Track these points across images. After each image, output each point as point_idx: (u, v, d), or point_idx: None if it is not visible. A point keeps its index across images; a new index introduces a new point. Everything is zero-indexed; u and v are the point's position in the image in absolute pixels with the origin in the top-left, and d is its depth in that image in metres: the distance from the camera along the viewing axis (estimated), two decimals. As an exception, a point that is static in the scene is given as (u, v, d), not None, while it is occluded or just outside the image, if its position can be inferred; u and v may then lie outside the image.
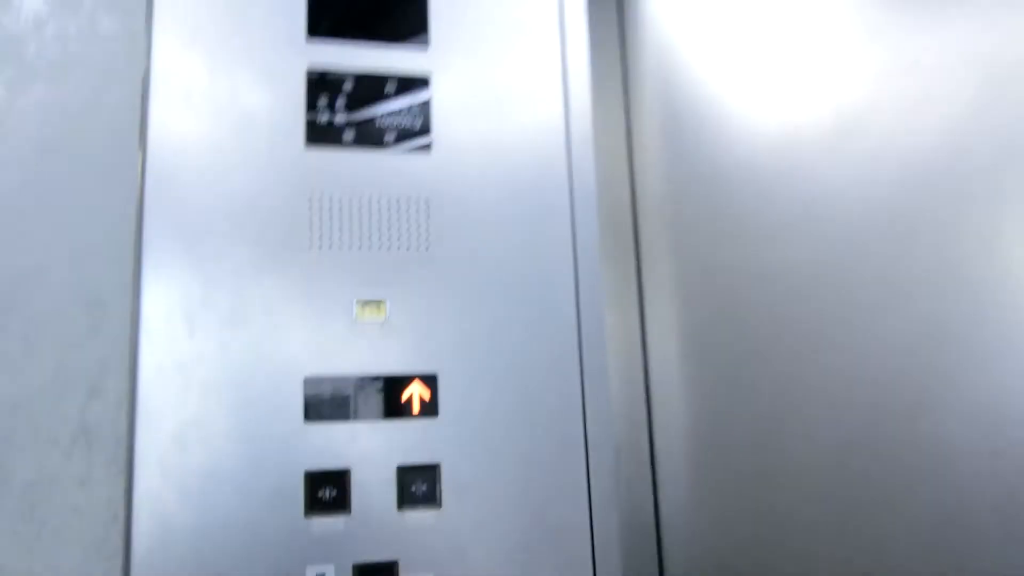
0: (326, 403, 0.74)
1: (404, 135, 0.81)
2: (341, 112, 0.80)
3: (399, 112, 0.81)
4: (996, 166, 0.73)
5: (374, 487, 0.74)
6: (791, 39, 0.86)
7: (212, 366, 0.73)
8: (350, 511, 0.73)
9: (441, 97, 0.82)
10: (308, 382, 0.74)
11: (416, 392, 0.77)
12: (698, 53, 0.92)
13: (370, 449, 0.75)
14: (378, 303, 0.78)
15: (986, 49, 0.74)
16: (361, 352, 0.76)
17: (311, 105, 0.79)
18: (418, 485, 0.75)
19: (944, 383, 0.74)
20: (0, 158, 0.64)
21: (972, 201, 0.74)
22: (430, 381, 0.77)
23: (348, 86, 0.80)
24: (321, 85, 0.80)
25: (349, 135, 0.79)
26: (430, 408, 0.77)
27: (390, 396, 0.76)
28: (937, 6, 0.77)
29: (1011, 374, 0.71)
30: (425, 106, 0.82)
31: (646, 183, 0.94)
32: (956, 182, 0.75)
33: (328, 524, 0.73)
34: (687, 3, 0.94)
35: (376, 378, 0.76)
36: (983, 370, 0.73)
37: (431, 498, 0.75)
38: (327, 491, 0.73)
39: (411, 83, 0.82)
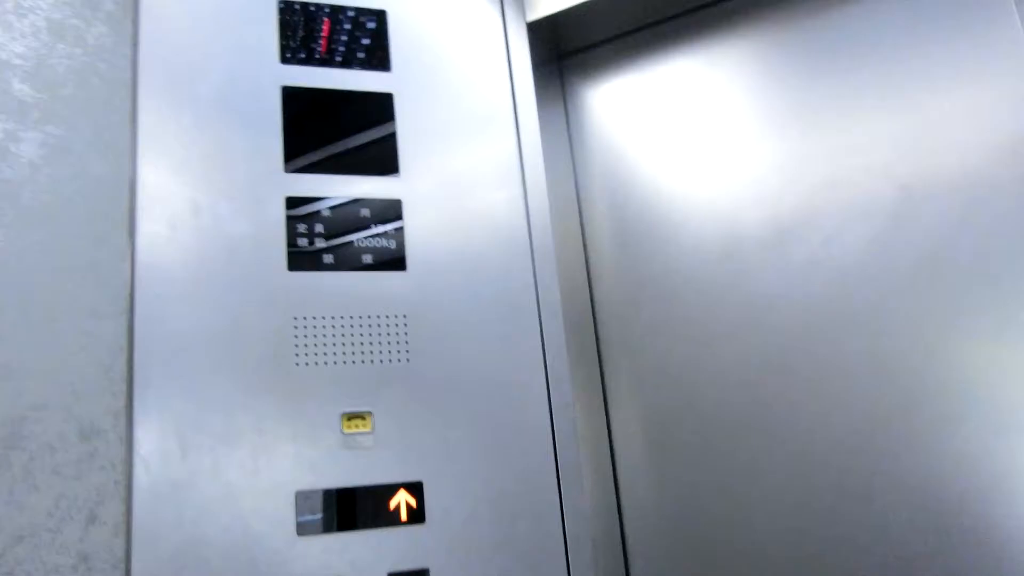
0: (317, 516, 0.77)
1: (380, 257, 0.87)
2: (320, 238, 0.85)
3: (375, 236, 0.87)
4: (916, 270, 0.84)
5: (367, 595, 0.77)
6: (730, 155, 0.96)
7: (206, 486, 0.76)
8: (345, 621, 0.75)
9: (413, 220, 0.89)
10: (300, 496, 0.77)
11: (403, 500, 0.80)
12: (644, 172, 1.02)
13: (361, 558, 0.77)
14: (363, 415, 0.82)
15: (902, 171, 0.86)
16: (349, 463, 0.80)
17: (291, 232, 0.85)
18: (409, 591, 0.78)
19: (890, 465, 0.82)
20: (2, 301, 0.68)
21: (898, 301, 0.84)
22: (416, 489, 0.81)
23: (326, 213, 0.86)
24: (299, 214, 0.85)
25: (329, 259, 0.85)
26: (417, 515, 0.80)
27: (378, 505, 0.79)
28: (861, 132, 0.89)
29: (945, 457, 0.80)
30: (399, 230, 0.88)
31: (603, 289, 1.01)
32: (882, 285, 0.85)
33: (324, 635, 0.75)
34: (630, 138, 1.04)
35: (364, 488, 0.79)
36: (921, 453, 0.81)
37: (422, 602, 0.78)
38: (322, 602, 0.75)
39: (385, 208, 0.88)
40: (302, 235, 0.85)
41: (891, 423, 0.83)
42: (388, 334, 0.85)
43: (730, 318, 0.92)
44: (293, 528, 0.77)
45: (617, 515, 0.95)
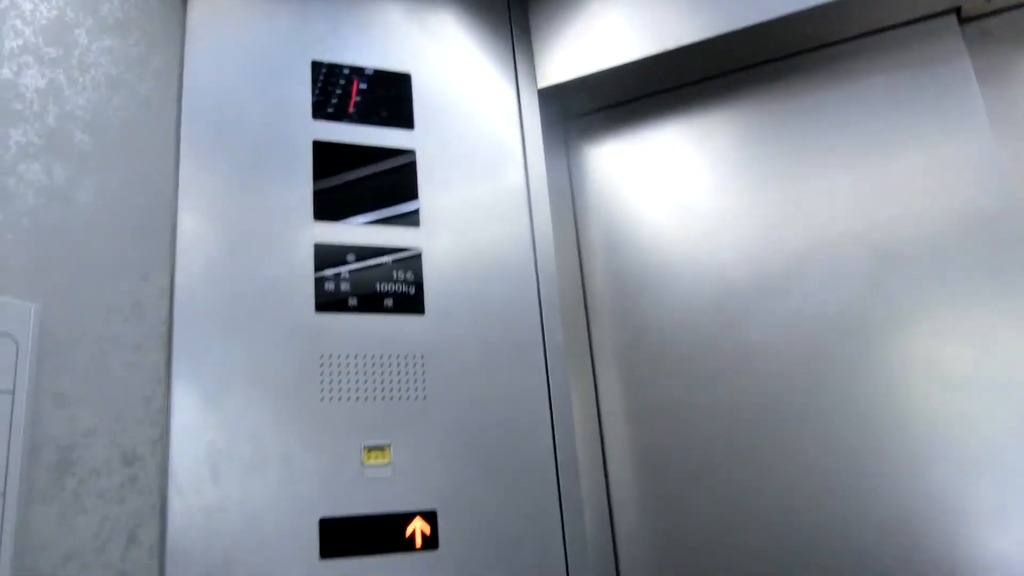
0: (339, 541, 0.83)
1: (400, 301, 0.93)
2: (345, 282, 0.92)
3: (396, 281, 0.94)
4: (889, 326, 0.93)
5: (385, 617, 0.82)
6: (720, 216, 1.05)
7: (236, 511, 0.81)
8: (364, 641, 0.81)
9: (431, 268, 0.96)
10: (323, 523, 0.83)
11: (418, 527, 0.86)
12: (640, 227, 1.10)
13: (379, 582, 0.83)
14: (383, 448, 0.88)
15: (877, 237, 0.96)
16: (369, 492, 0.86)
17: (319, 276, 0.91)
18: (423, 613, 0.84)
19: (866, 499, 0.90)
20: (61, 335, 0.73)
21: (873, 353, 0.93)
22: (430, 517, 0.87)
23: (351, 259, 0.93)
24: (327, 259, 0.92)
25: (353, 301, 0.92)
26: (431, 541, 0.86)
27: (396, 532, 0.85)
28: (839, 200, 0.99)
29: (916, 492, 0.88)
30: (418, 275, 0.95)
31: (602, 335, 1.09)
32: (859, 337, 0.95)
33: (345, 654, 0.80)
34: (627, 196, 1.13)
35: (383, 516, 0.85)
36: (894, 489, 0.89)
37: (435, 625, 0.84)
38: (343, 623, 0.81)
39: (405, 256, 0.95)
40: (329, 279, 0.91)
41: (866, 462, 0.92)
42: (407, 372, 0.91)
43: (720, 363, 1.01)
44: (317, 552, 0.82)
45: (611, 542, 1.01)
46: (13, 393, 0.67)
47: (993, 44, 1.02)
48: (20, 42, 0.75)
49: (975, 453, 0.88)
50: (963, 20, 1.02)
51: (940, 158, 0.96)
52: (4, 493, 0.64)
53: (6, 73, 0.73)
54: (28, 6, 0.76)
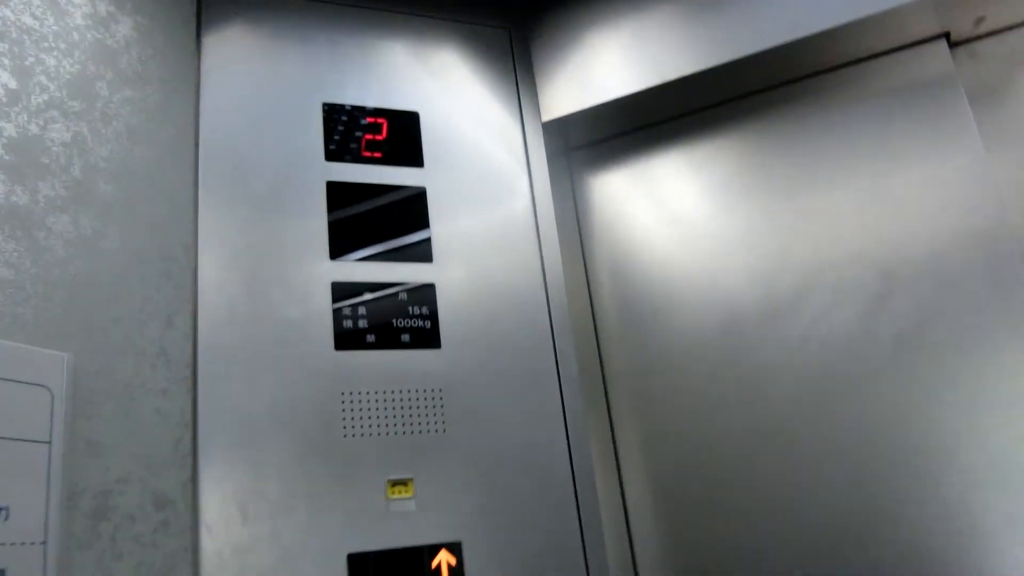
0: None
1: (417, 336, 0.95)
2: (363, 319, 0.94)
3: (412, 317, 0.96)
4: (897, 346, 0.96)
5: (416, 650, 0.84)
6: (725, 242, 1.08)
7: (265, 550, 0.82)
8: (396, 675, 0.82)
9: (445, 302, 0.98)
10: (351, 558, 0.84)
11: (444, 560, 0.87)
12: (646, 253, 1.13)
13: (408, 615, 0.84)
14: (406, 482, 0.89)
15: (882, 257, 0.98)
16: (394, 526, 0.87)
17: (337, 314, 0.93)
18: (453, 645, 0.85)
19: (877, 519, 0.92)
20: (93, 385, 0.74)
21: (881, 373, 0.96)
22: (455, 549, 0.88)
23: (368, 297, 0.95)
24: (344, 297, 0.94)
25: (371, 338, 0.93)
26: (457, 572, 0.87)
27: (422, 565, 0.86)
28: (845, 222, 1.02)
29: (927, 510, 0.90)
30: (433, 310, 0.97)
31: (613, 363, 1.11)
32: (867, 359, 0.97)
33: None
34: (632, 223, 1.15)
35: (409, 549, 0.87)
36: (905, 507, 0.91)
37: (465, 656, 0.85)
38: (375, 658, 0.82)
39: (420, 292, 0.97)
40: (347, 317, 0.93)
41: (878, 480, 0.93)
42: (426, 406, 0.93)
43: (730, 388, 1.03)
44: (346, 588, 0.83)
45: (632, 568, 1.02)
46: (50, 443, 0.68)
47: (983, 66, 1.05)
48: (46, 97, 0.77)
49: (985, 467, 0.90)
50: (953, 44, 1.06)
51: (937, 178, 0.99)
52: (46, 542, 0.66)
53: (34, 128, 0.74)
54: (52, 62, 0.78)
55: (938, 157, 1.00)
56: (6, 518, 0.63)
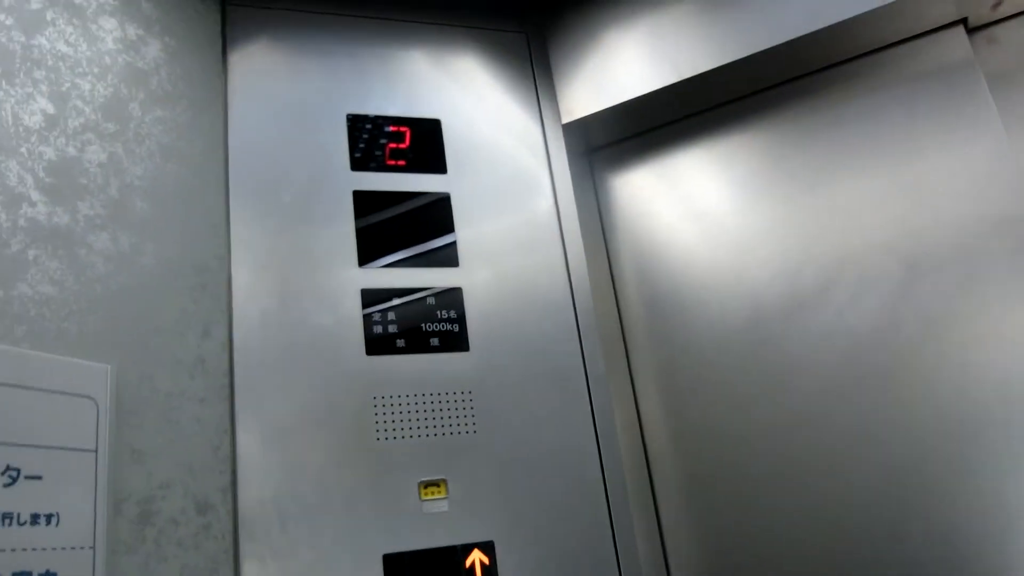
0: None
1: (446, 339, 0.97)
2: (392, 324, 0.96)
3: (440, 320, 0.98)
4: (922, 335, 0.96)
5: (453, 647, 0.85)
6: (749, 236, 1.08)
7: (304, 553, 0.85)
8: (435, 671, 0.84)
9: (473, 305, 1.00)
10: (387, 558, 0.86)
11: (477, 559, 0.89)
12: (670, 251, 1.14)
13: (445, 613, 0.86)
14: (438, 483, 0.91)
15: (906, 247, 0.98)
16: (428, 527, 0.89)
17: (368, 320, 0.95)
18: (490, 641, 0.86)
19: (909, 510, 0.92)
20: (136, 395, 0.77)
21: (906, 364, 0.96)
22: (488, 548, 0.90)
23: (397, 302, 0.97)
24: (374, 303, 0.96)
25: (401, 343, 0.95)
26: (490, 572, 0.89)
27: (456, 564, 0.88)
28: (868, 214, 1.02)
29: (959, 500, 0.90)
30: (461, 313, 0.99)
31: (640, 360, 1.12)
32: (892, 349, 0.97)
33: None
34: (655, 221, 1.16)
35: (443, 549, 0.88)
36: (937, 497, 0.91)
37: (502, 652, 0.86)
38: (414, 655, 0.84)
39: (448, 296, 0.99)
40: (377, 323, 0.95)
41: (908, 471, 0.93)
42: (456, 408, 0.95)
43: (757, 382, 1.03)
44: (383, 588, 0.85)
45: (664, 565, 1.03)
46: (96, 452, 0.71)
47: (1001, 50, 1.05)
48: (82, 120, 0.80)
49: (1017, 454, 0.89)
50: (970, 30, 1.05)
51: (959, 165, 0.99)
52: (95, 547, 0.68)
53: (71, 151, 0.78)
54: (87, 86, 0.82)
55: (959, 143, 1.00)
56: (57, 524, 0.66)
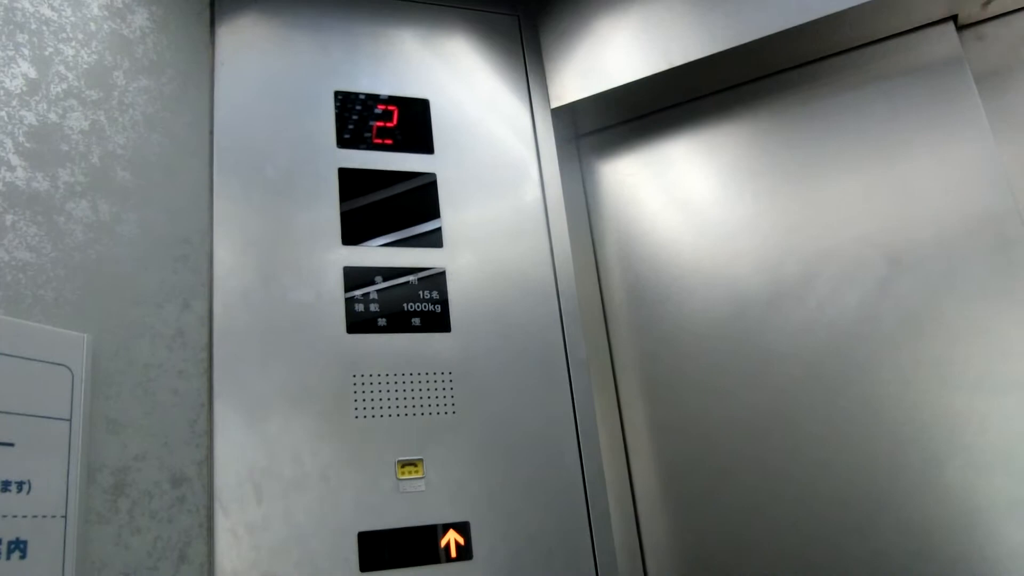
0: (378, 554, 0.86)
1: (427, 320, 0.97)
2: (374, 303, 0.96)
3: (422, 301, 0.97)
4: (902, 329, 0.96)
5: (425, 625, 0.86)
6: (732, 226, 1.09)
7: (279, 528, 0.84)
8: (407, 649, 0.84)
9: (455, 287, 0.99)
10: (362, 536, 0.86)
11: (452, 539, 0.89)
12: (654, 239, 1.14)
13: (418, 592, 0.86)
14: (415, 463, 0.91)
15: (888, 241, 0.99)
16: (404, 506, 0.89)
17: (349, 299, 0.95)
18: (462, 621, 0.87)
19: (884, 502, 0.93)
20: (111, 366, 0.77)
21: (887, 357, 0.96)
22: (463, 528, 0.90)
23: (379, 281, 0.96)
24: (356, 282, 0.96)
25: (382, 322, 0.95)
26: (465, 552, 0.89)
27: (431, 544, 0.88)
28: (850, 206, 1.02)
29: (932, 493, 0.91)
30: (443, 294, 0.98)
31: (622, 348, 1.12)
32: (872, 342, 0.98)
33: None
34: (640, 209, 1.16)
35: (418, 528, 0.88)
36: (911, 490, 0.92)
37: (474, 632, 0.87)
38: (386, 632, 0.84)
39: (431, 277, 0.99)
40: (358, 301, 0.95)
41: (883, 464, 0.94)
42: (436, 389, 0.95)
43: (737, 372, 1.03)
44: (357, 565, 0.85)
45: (639, 551, 1.04)
46: (71, 421, 0.70)
47: (990, 48, 1.05)
48: (65, 86, 0.79)
49: (990, 451, 0.90)
50: (960, 27, 1.06)
51: (944, 161, 1.00)
52: (66, 516, 0.68)
53: (53, 117, 0.77)
54: (71, 52, 0.81)
55: (945, 140, 1.00)
56: (28, 492, 0.65)
